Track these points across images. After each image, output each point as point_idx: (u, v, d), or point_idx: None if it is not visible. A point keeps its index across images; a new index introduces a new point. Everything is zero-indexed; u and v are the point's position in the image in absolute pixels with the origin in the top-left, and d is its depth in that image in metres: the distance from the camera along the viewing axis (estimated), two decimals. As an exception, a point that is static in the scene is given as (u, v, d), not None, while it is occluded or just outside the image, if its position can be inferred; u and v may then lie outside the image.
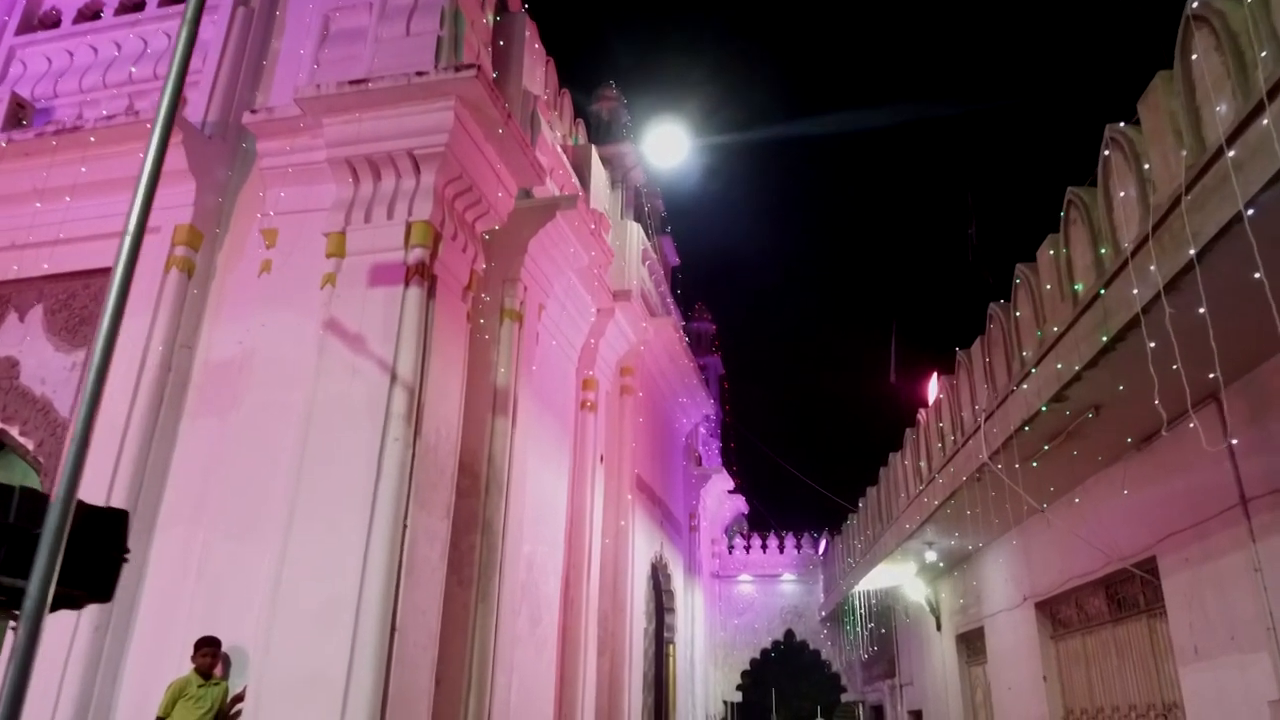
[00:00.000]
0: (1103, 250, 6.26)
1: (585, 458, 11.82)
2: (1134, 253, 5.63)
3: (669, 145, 16.56)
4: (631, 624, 13.14)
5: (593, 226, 10.51)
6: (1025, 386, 7.50)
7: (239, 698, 6.81)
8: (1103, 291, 6.07)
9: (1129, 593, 8.78)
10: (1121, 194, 5.93)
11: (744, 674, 21.84)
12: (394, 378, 7.42)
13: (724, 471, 20.38)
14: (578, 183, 12.92)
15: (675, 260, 20.16)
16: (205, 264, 8.89)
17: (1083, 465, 8.58)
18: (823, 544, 21.92)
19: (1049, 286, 7.19)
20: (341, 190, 8.24)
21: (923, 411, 11.60)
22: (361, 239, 8.03)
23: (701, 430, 21.16)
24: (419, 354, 7.59)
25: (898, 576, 15.32)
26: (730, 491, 21.77)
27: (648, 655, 15.41)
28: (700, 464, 20.32)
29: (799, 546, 22.59)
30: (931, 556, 12.43)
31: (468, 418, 8.83)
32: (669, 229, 19.74)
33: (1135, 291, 5.56)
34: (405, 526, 7.07)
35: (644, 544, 14.49)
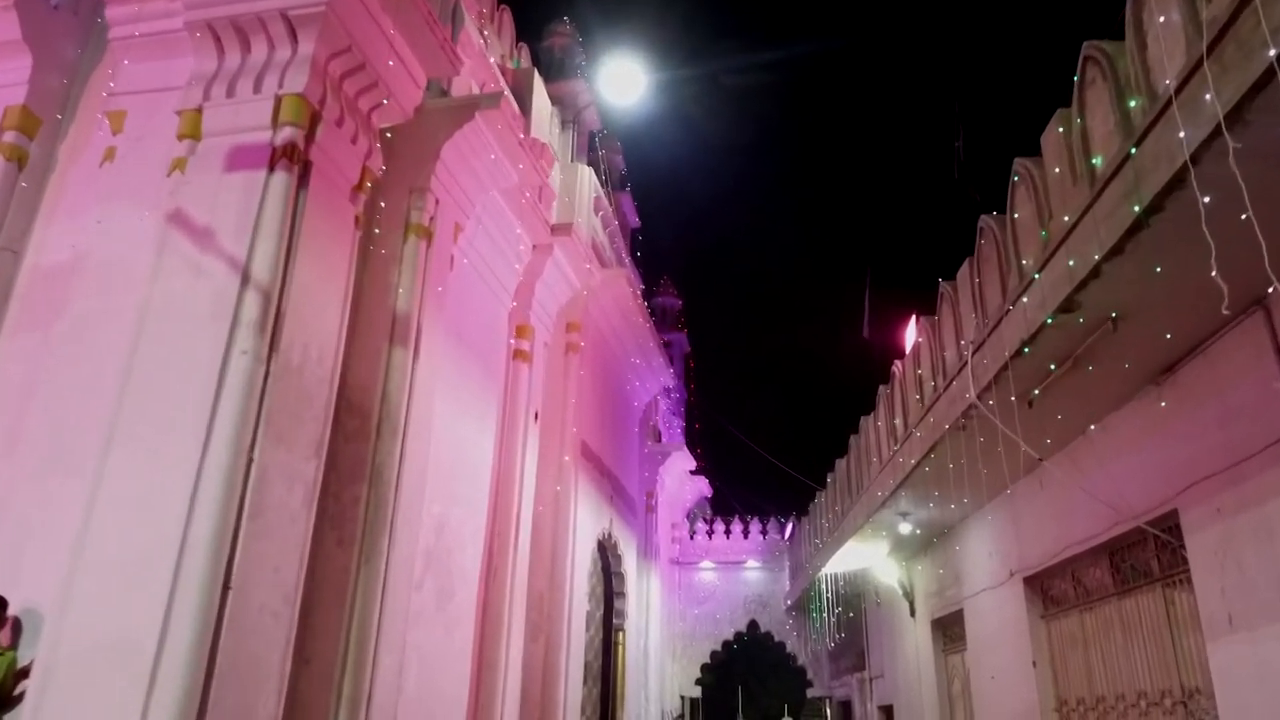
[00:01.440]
0: (1133, 103, 4.92)
1: (517, 413, 10.39)
2: (1180, 87, 4.28)
3: (626, 83, 15.15)
4: (571, 606, 11.72)
5: (522, 136, 9.08)
6: (1025, 300, 6.15)
7: (24, 672, 5.31)
8: (1133, 150, 4.72)
9: (1139, 558, 7.47)
10: (1161, 19, 4.59)
11: (704, 667, 20.44)
12: (246, 278, 5.96)
13: (685, 449, 18.96)
14: (517, 109, 11.49)
15: (635, 221, 18.76)
16: (43, 154, 7.36)
17: (1088, 407, 7.27)
18: (789, 528, 20.60)
19: (1057, 171, 5.84)
20: (202, 62, 6.77)
21: (898, 363, 10.27)
22: (221, 117, 6.58)
23: (662, 406, 19.76)
24: (281, 251, 6.13)
25: (868, 557, 14.00)
26: (692, 472, 20.38)
27: (594, 643, 13.99)
28: (659, 440, 18.92)
29: (765, 532, 21.23)
30: (906, 529, 11.10)
31: (359, 347, 7.43)
32: (628, 187, 18.34)
33: (1182, 135, 4.21)
34: (251, 460, 5.62)
35: (590, 519, 13.07)
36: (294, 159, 6.34)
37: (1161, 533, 6.82)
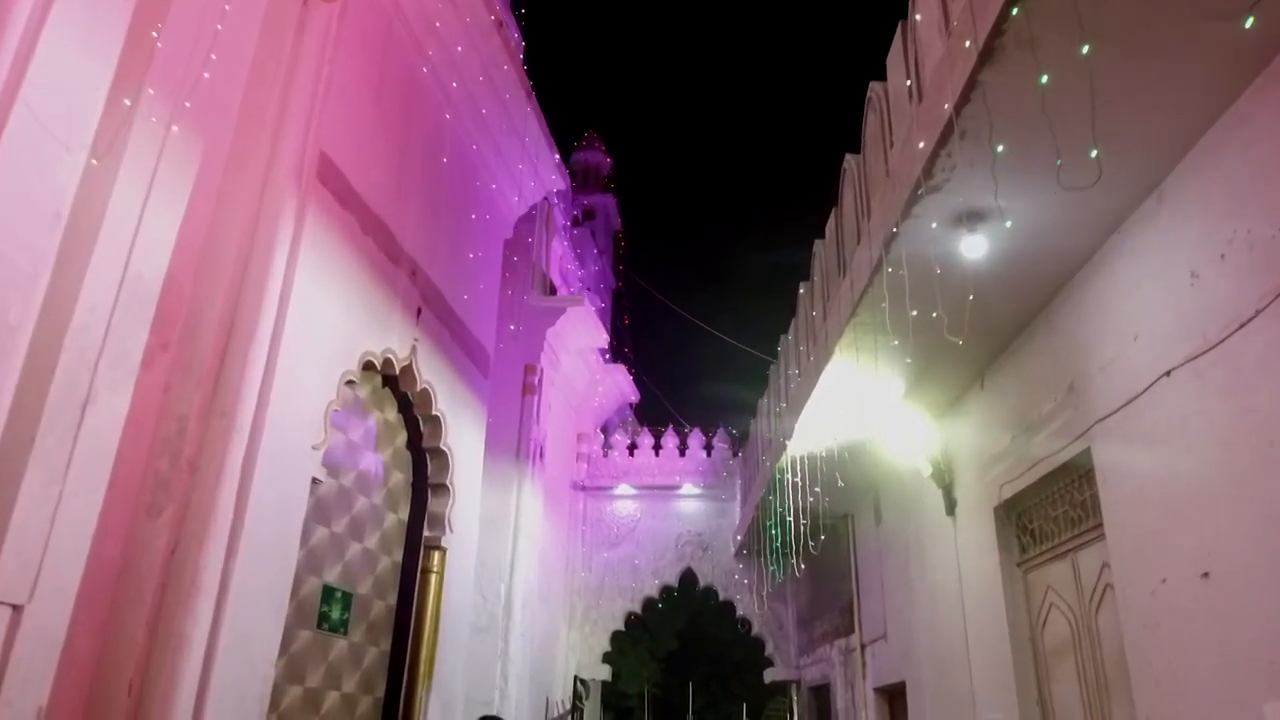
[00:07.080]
0: None
1: None
2: None
3: None
4: (255, 457, 5.52)
5: None
6: None
7: None
8: None
9: None
10: None
11: (615, 636, 14.20)
12: None
13: (588, 308, 12.69)
14: None
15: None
16: None
17: None
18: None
19: None
20: None
21: None
22: None
23: (559, 249, 13.58)
24: None
25: (868, 415, 7.87)
26: (607, 358, 14.23)
27: (377, 568, 7.76)
28: (554, 293, 12.71)
29: (709, 448, 15.04)
30: (975, 252, 4.89)
31: None
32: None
33: None
34: None
35: (347, 316, 6.87)
36: None
37: None
